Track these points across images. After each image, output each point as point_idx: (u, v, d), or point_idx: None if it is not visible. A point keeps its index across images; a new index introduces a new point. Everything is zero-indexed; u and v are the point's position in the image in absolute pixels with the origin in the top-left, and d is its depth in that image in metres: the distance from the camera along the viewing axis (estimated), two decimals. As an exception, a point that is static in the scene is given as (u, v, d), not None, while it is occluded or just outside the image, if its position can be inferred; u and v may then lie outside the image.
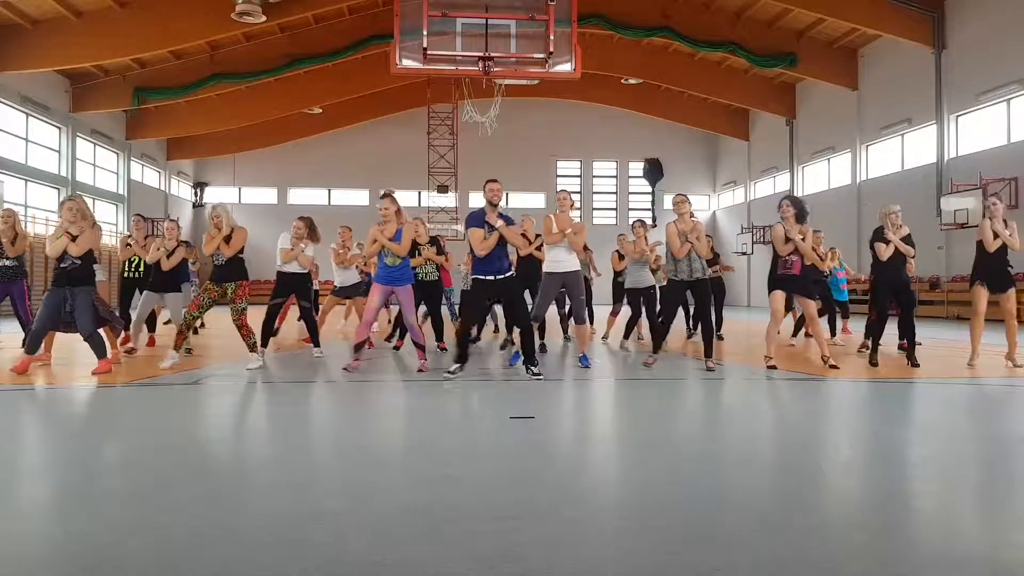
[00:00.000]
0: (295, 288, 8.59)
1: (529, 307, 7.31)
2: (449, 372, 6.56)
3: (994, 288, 7.37)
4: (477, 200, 33.69)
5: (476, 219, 6.65)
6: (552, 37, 12.04)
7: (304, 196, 34.96)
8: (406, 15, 12.10)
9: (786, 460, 3.73)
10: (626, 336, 10.00)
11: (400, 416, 5.15)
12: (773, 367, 7.07)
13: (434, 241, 9.26)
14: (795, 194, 29.28)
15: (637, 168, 35.72)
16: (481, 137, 27.18)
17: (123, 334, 8.71)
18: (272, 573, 2.13)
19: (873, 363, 7.44)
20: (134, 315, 8.75)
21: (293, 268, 8.58)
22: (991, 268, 7.31)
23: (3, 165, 20.73)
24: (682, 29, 23.81)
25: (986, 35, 19.45)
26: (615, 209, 36.50)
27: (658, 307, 9.41)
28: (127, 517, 2.66)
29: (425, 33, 11.72)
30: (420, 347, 7.19)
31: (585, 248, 9.70)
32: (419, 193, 32.46)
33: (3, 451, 3.85)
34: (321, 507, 2.74)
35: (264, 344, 8.20)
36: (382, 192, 7.39)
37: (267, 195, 34.87)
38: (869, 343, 8.10)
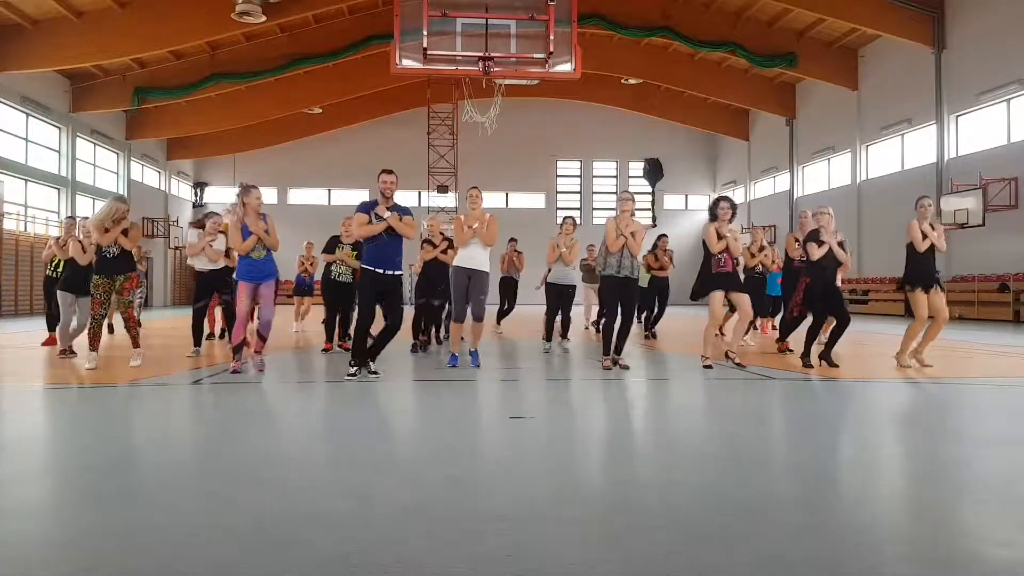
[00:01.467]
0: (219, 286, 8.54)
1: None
2: (349, 374, 6.43)
3: (927, 289, 7.28)
4: (477, 200, 33.85)
5: (364, 207, 6.55)
6: (552, 37, 12.05)
7: (304, 196, 34.96)
8: (406, 15, 12.11)
9: (786, 460, 3.73)
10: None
11: (400, 416, 5.15)
12: (709, 367, 7.14)
13: (357, 245, 8.82)
14: (795, 194, 29.33)
15: (637, 168, 35.70)
16: (481, 137, 27.17)
17: (48, 335, 8.74)
18: (272, 573, 2.13)
19: (807, 365, 7.35)
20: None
21: (209, 265, 8.50)
22: (925, 269, 7.25)
23: (3, 165, 20.72)
24: (682, 29, 23.81)
25: (986, 35, 19.45)
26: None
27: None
28: (127, 517, 2.66)
29: (425, 33, 11.73)
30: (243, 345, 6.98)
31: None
32: (419, 193, 32.45)
33: (3, 451, 3.85)
34: (321, 507, 2.74)
35: (198, 344, 8.34)
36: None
37: (267, 195, 34.48)
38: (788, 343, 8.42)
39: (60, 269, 8.92)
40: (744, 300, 7.48)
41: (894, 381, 6.50)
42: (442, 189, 30.87)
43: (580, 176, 36.60)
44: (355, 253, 8.76)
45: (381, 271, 6.47)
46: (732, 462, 3.58)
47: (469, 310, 7.48)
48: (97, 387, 5.96)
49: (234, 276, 7.49)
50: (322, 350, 9.03)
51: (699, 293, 7.63)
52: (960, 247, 19.69)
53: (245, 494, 2.97)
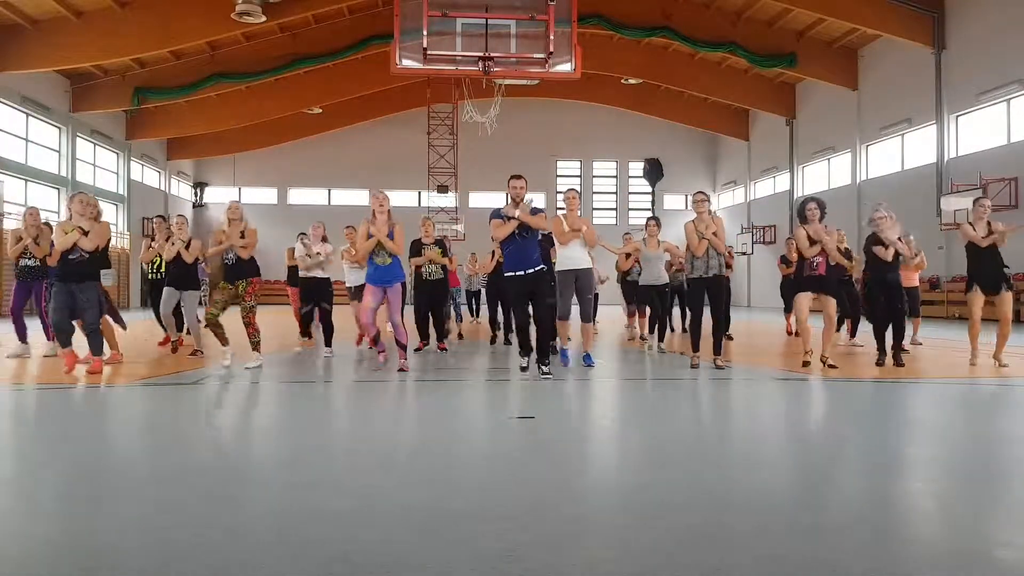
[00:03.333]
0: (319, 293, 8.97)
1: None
2: (523, 367, 6.85)
3: (988, 290, 7.31)
4: (477, 200, 33.77)
5: (496, 213, 6.80)
6: (552, 37, 12.03)
7: (304, 196, 34.96)
8: (406, 15, 12.10)
9: (786, 460, 3.73)
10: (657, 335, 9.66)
11: (400, 416, 5.15)
12: (833, 366, 7.02)
13: (439, 243, 9.25)
14: (795, 194, 29.31)
15: (637, 168, 35.72)
16: (481, 137, 27.18)
17: (164, 335, 8.82)
18: (272, 573, 2.13)
19: (880, 363, 7.39)
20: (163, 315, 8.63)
21: (315, 273, 8.89)
22: (987, 268, 7.27)
23: (3, 165, 20.73)
24: (682, 29, 23.80)
25: (986, 35, 19.45)
26: (615, 209, 36.51)
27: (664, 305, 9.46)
28: (127, 517, 2.66)
29: (425, 33, 11.71)
30: (403, 347, 7.08)
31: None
32: (419, 193, 32.45)
33: (3, 451, 3.85)
34: (322, 507, 2.74)
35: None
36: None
37: (267, 195, 34.86)
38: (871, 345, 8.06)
39: (162, 270, 9.12)
40: (829, 304, 7.36)
41: (895, 381, 6.50)
42: (442, 189, 30.87)
43: (580, 176, 36.60)
44: (440, 251, 9.14)
45: (522, 272, 6.72)
46: (732, 462, 3.58)
47: (576, 310, 7.54)
48: (100, 387, 5.96)
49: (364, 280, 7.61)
50: (415, 349, 9.02)
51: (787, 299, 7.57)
52: (960, 247, 19.66)
53: (246, 494, 2.97)
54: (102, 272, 6.96)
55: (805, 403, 5.60)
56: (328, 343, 8.61)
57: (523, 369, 6.82)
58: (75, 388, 6.02)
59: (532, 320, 6.92)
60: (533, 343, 6.84)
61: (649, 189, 34.82)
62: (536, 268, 6.76)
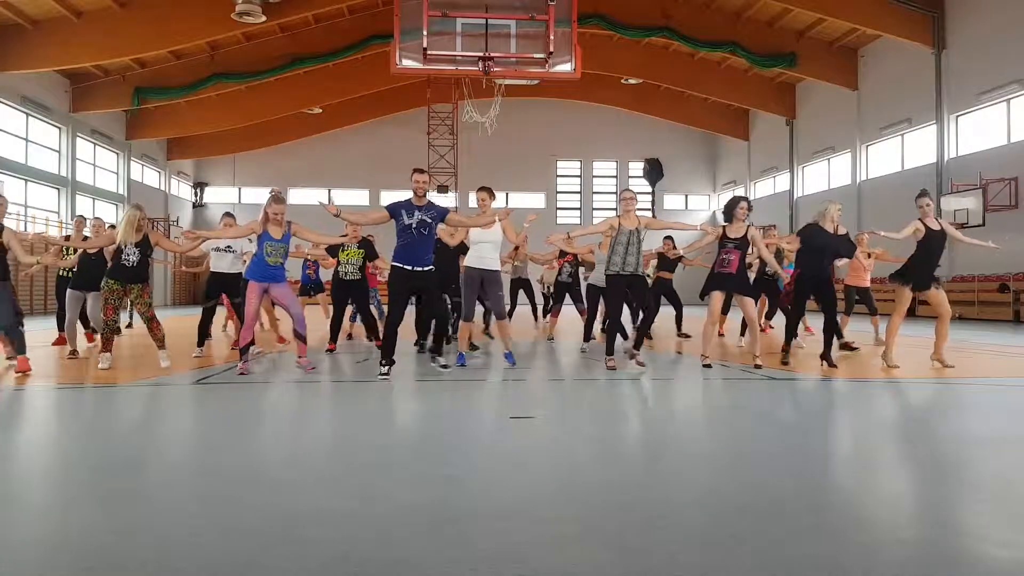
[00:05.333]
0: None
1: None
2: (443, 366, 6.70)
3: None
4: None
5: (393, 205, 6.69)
6: (552, 37, 12.04)
7: (304, 196, 34.91)
8: (406, 15, 12.11)
9: (785, 460, 3.73)
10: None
11: (400, 416, 5.15)
12: (708, 365, 7.11)
13: (364, 243, 8.99)
14: (795, 194, 29.32)
15: (637, 168, 35.71)
16: (481, 137, 27.17)
17: (58, 335, 8.74)
18: (272, 573, 2.13)
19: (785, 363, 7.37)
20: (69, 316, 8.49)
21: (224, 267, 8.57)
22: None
23: (3, 165, 20.73)
24: (682, 29, 23.81)
25: (986, 35, 19.45)
26: (615, 209, 36.44)
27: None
28: (127, 517, 2.66)
29: (425, 33, 11.72)
30: (303, 339, 7.02)
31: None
32: (419, 193, 32.46)
33: (3, 452, 3.84)
34: (322, 507, 2.74)
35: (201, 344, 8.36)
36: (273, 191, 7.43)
37: (267, 195, 34.77)
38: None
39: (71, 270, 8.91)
40: (748, 304, 7.37)
41: (894, 381, 6.50)
42: (442, 189, 30.86)
43: (580, 176, 36.60)
44: (362, 250, 8.94)
45: (410, 268, 6.56)
46: (733, 462, 3.58)
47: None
48: (101, 387, 5.96)
49: (244, 276, 7.51)
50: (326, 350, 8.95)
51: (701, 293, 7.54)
52: (959, 247, 19.66)
53: (245, 494, 2.97)
54: None
55: (801, 403, 5.60)
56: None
57: (382, 375, 6.38)
58: (73, 389, 6.02)
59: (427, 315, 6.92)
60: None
61: (649, 189, 34.80)
62: (427, 267, 6.61)
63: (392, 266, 6.65)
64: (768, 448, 4.02)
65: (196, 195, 34.66)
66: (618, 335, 7.56)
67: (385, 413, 5.23)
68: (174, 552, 2.29)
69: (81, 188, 24.84)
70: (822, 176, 28.05)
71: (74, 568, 2.18)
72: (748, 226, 7.29)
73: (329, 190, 34.89)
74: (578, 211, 35.91)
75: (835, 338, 7.62)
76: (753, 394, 5.92)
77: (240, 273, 8.32)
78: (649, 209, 34.03)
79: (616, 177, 36.69)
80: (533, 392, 6.06)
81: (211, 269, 8.53)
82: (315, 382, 6.55)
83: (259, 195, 34.59)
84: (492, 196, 7.49)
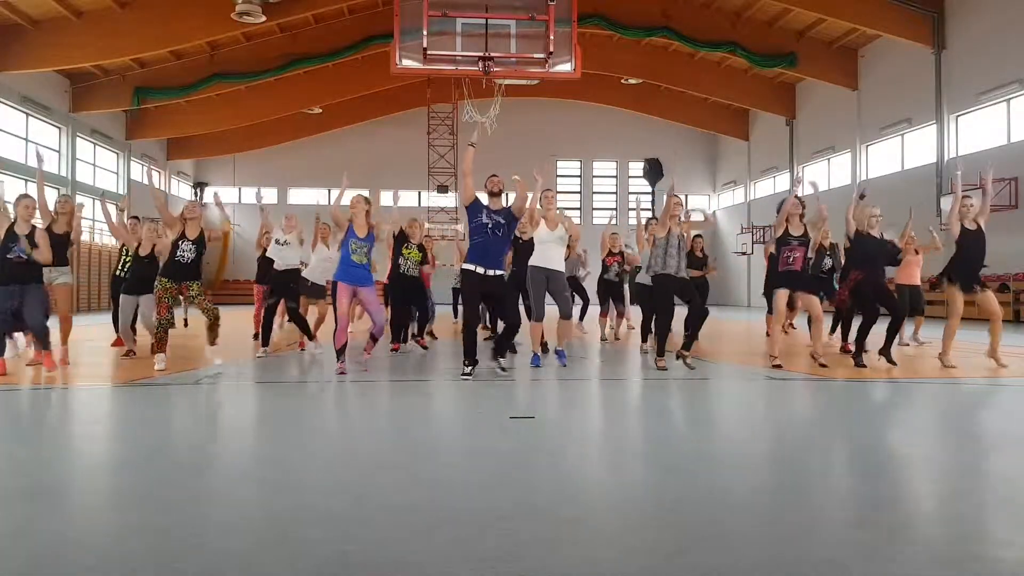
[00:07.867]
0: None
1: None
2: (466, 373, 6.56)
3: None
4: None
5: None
6: (552, 37, 12.06)
7: (304, 196, 34.93)
8: (406, 15, 12.12)
9: (785, 460, 3.73)
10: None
11: (399, 416, 5.14)
12: (778, 366, 7.02)
13: (421, 248, 9.01)
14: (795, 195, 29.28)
15: (637, 168, 35.69)
16: (481, 137, 27.12)
17: (116, 337, 8.74)
18: (272, 573, 2.13)
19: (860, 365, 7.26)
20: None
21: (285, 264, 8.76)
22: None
23: (3, 165, 20.72)
24: (682, 29, 23.79)
25: (986, 35, 19.45)
26: (615, 209, 36.45)
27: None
28: (127, 517, 2.65)
29: (425, 33, 11.73)
30: (375, 340, 7.31)
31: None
32: (419, 193, 32.45)
33: (3, 452, 3.84)
34: (321, 507, 2.74)
35: (265, 343, 8.42)
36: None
37: (267, 195, 34.71)
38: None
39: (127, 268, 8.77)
40: (813, 301, 7.32)
41: (894, 381, 6.50)
42: (442, 189, 30.87)
43: (580, 176, 36.59)
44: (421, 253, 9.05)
45: (482, 270, 6.60)
46: (733, 462, 3.58)
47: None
48: (117, 386, 5.96)
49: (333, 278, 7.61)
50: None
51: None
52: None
53: (245, 493, 2.97)
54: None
55: (801, 403, 5.60)
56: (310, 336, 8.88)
57: (465, 375, 6.38)
58: (73, 389, 6.02)
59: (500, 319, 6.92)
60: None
61: (649, 189, 34.79)
62: (498, 272, 6.63)
63: (463, 268, 6.74)
64: (769, 448, 4.01)
65: (196, 195, 34.64)
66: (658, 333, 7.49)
67: (383, 413, 5.22)
68: (173, 552, 2.29)
69: (81, 188, 24.80)
70: (822, 176, 27.99)
71: (74, 568, 2.18)
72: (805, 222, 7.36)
73: (329, 190, 34.86)
74: (578, 211, 35.91)
75: (894, 339, 7.60)
76: (765, 395, 5.91)
77: (299, 269, 8.78)
78: (649, 209, 34.02)
79: (616, 177, 36.70)
80: (533, 392, 6.05)
81: (274, 266, 8.76)
82: (312, 383, 6.55)
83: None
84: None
